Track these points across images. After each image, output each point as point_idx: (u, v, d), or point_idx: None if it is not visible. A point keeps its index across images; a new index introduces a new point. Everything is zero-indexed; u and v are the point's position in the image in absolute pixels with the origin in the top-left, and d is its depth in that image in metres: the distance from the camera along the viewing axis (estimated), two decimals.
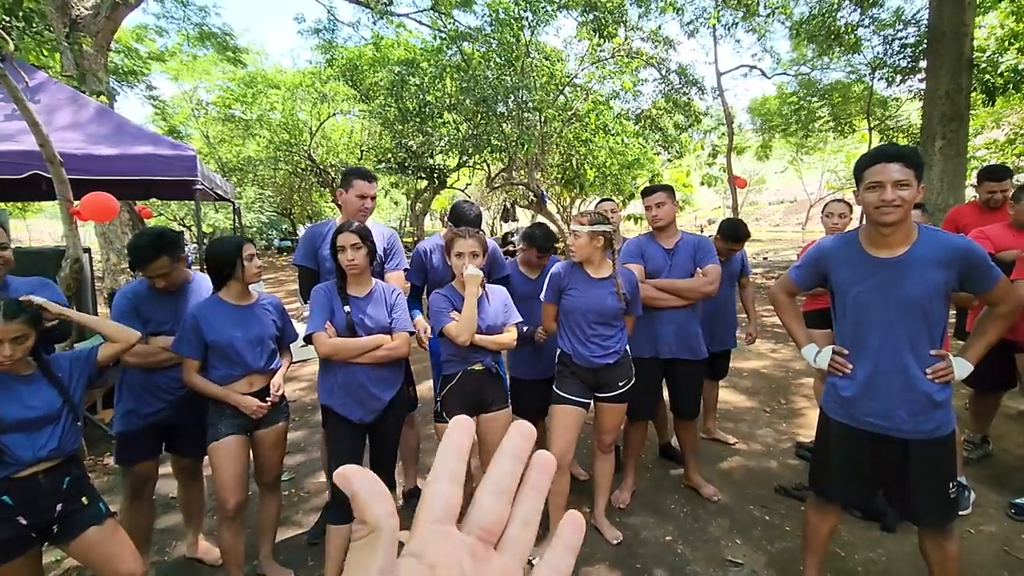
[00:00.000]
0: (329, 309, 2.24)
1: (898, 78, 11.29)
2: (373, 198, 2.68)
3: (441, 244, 2.87)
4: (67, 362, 1.81)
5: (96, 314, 4.38)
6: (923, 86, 9.14)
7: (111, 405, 4.20)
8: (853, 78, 13.69)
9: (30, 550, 1.67)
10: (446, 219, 2.97)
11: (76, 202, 3.56)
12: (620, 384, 2.54)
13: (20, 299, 1.70)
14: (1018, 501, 2.78)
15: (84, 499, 1.75)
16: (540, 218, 19.06)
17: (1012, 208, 2.96)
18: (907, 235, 1.77)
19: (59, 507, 1.68)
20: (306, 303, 2.72)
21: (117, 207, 3.83)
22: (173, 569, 2.58)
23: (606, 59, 13.00)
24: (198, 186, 4.38)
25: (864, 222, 1.85)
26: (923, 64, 9.69)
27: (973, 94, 8.47)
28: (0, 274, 2.09)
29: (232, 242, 2.26)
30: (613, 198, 8.30)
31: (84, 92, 5.67)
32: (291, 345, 2.50)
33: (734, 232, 3.35)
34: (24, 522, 1.62)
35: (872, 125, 13.46)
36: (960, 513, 2.70)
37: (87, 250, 3.95)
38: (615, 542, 2.62)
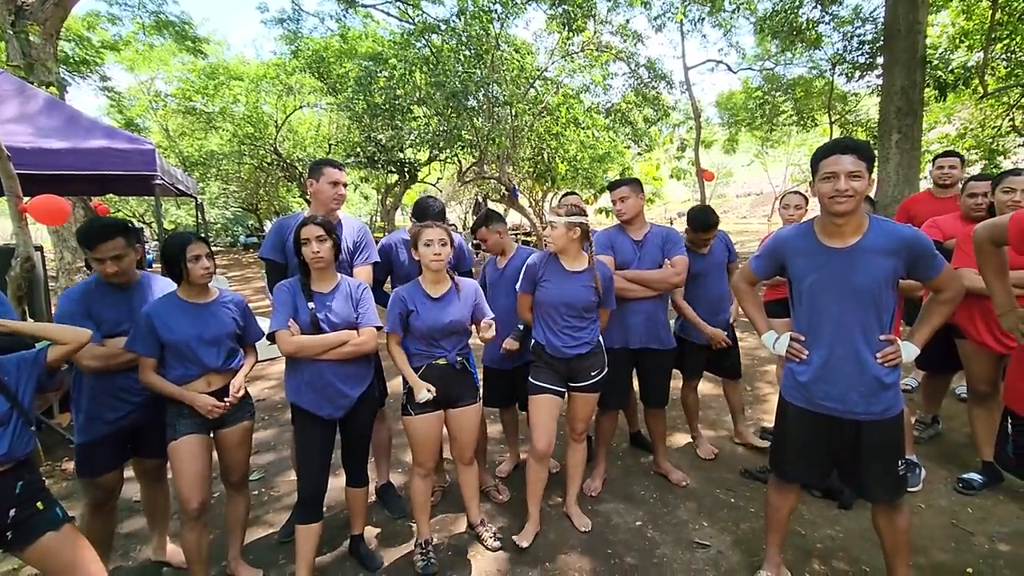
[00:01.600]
0: (292, 306, 2.21)
1: (857, 74, 11.65)
2: (345, 185, 2.66)
3: (407, 239, 2.86)
4: (12, 365, 1.73)
5: (51, 314, 4.22)
6: (880, 82, 9.45)
7: (68, 409, 4.05)
8: (815, 73, 14.07)
9: None
10: (411, 216, 2.97)
11: (26, 198, 3.41)
12: (592, 374, 2.58)
13: None
14: (965, 476, 2.94)
15: (39, 504, 1.69)
16: (512, 212, 19.06)
17: (960, 200, 3.12)
18: (858, 226, 1.85)
19: (12, 512, 1.62)
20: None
21: (68, 210, 3.70)
22: (138, 574, 2.52)
23: (576, 52, 13.04)
24: (157, 181, 4.24)
25: (820, 213, 1.92)
26: (880, 60, 10.01)
27: (926, 90, 8.80)
28: None
29: (177, 241, 2.16)
30: (577, 191, 8.35)
31: (32, 83, 5.42)
32: (258, 343, 2.45)
33: (704, 219, 3.13)
34: None
35: (833, 119, 13.87)
36: (911, 489, 2.85)
37: (39, 248, 3.79)
38: (583, 530, 2.67)
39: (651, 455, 3.34)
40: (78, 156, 3.87)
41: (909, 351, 1.90)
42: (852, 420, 1.91)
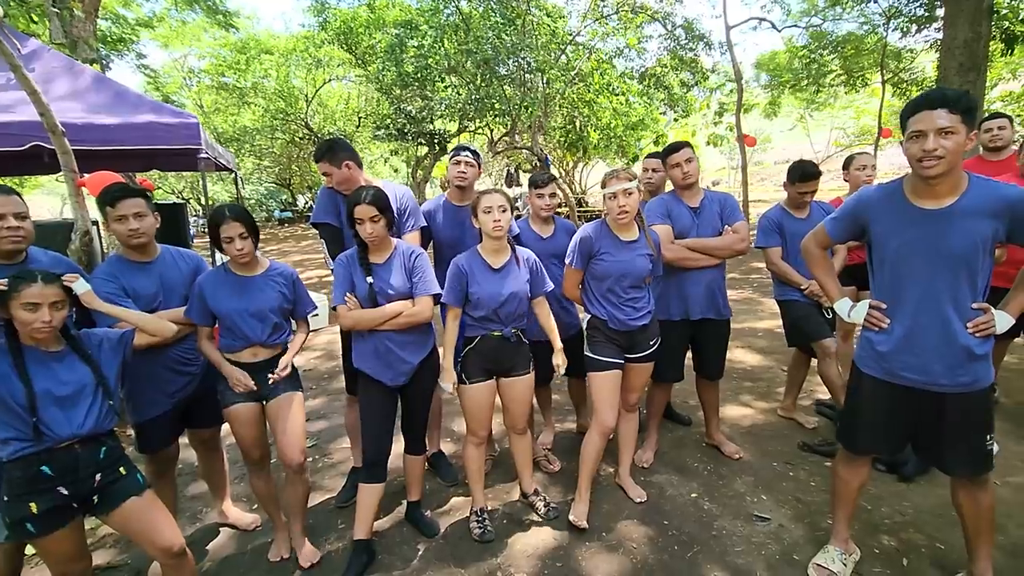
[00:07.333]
0: (349, 280, 2.23)
1: (914, 28, 10.89)
2: (327, 174, 2.53)
3: (443, 204, 2.86)
4: (96, 340, 1.79)
5: None
6: (940, 35, 8.81)
7: None
8: (866, 29, 13.22)
9: (72, 521, 1.68)
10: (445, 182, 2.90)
11: (81, 174, 3.47)
12: (651, 343, 2.52)
13: (63, 277, 1.69)
14: None
15: (121, 469, 1.75)
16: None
17: (1021, 159, 2.94)
18: (955, 185, 1.70)
19: (98, 477, 1.69)
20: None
21: None
22: (207, 534, 2.62)
23: (609, 15, 12.56)
24: (202, 155, 4.28)
25: (911, 172, 1.78)
26: (940, 12, 9.32)
27: (992, 43, 8.16)
28: (22, 247, 1.99)
29: (215, 217, 2.11)
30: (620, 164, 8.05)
31: (77, 60, 5.50)
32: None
33: (800, 169, 2.96)
34: (65, 492, 1.62)
35: (886, 78, 13.07)
36: None
37: (95, 222, 3.87)
38: (639, 501, 2.65)
39: (687, 426, 3.37)
40: (128, 131, 3.93)
41: (1004, 321, 1.77)
42: (935, 392, 1.80)
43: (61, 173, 3.42)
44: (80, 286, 1.75)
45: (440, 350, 2.44)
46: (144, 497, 1.77)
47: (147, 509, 1.76)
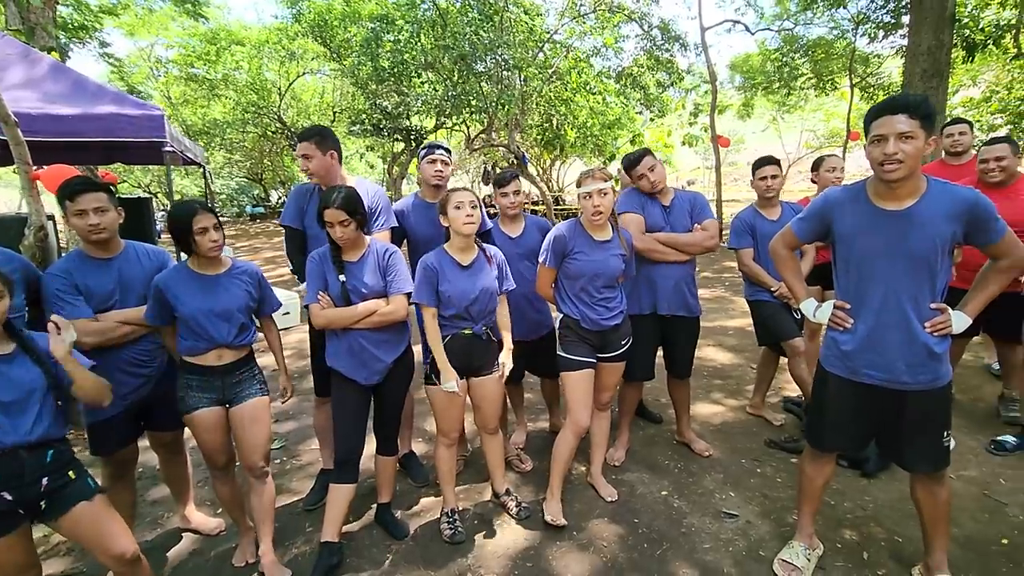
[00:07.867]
0: (322, 278, 2.20)
1: (880, 34, 11.20)
2: (306, 157, 2.47)
3: (415, 202, 2.82)
4: (46, 343, 1.70)
5: None
6: (905, 42, 9.08)
7: None
8: (836, 34, 13.56)
9: (18, 528, 1.60)
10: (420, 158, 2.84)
11: (36, 167, 3.33)
12: (623, 343, 2.53)
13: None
14: (999, 438, 2.93)
15: (71, 473, 1.67)
16: (521, 180, 18.81)
17: (980, 164, 3.07)
18: (915, 187, 1.74)
19: (45, 482, 1.61)
20: (292, 264, 2.64)
21: None
22: (169, 540, 2.54)
23: (586, 14, 12.60)
24: (168, 148, 4.14)
25: (873, 174, 1.81)
26: (906, 19, 9.60)
27: (954, 50, 8.44)
28: None
29: (182, 212, 2.03)
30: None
31: (34, 48, 5.27)
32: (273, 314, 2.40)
33: (758, 160, 3.08)
34: (9, 498, 1.54)
35: (854, 82, 13.42)
36: None
37: (51, 217, 3.72)
38: (609, 500, 2.66)
39: (658, 424, 3.39)
40: (87, 122, 3.78)
41: (960, 321, 1.82)
42: (897, 390, 1.85)
43: (14, 166, 3.27)
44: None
45: (416, 348, 2.42)
46: (95, 502, 1.69)
47: (98, 515, 1.69)
